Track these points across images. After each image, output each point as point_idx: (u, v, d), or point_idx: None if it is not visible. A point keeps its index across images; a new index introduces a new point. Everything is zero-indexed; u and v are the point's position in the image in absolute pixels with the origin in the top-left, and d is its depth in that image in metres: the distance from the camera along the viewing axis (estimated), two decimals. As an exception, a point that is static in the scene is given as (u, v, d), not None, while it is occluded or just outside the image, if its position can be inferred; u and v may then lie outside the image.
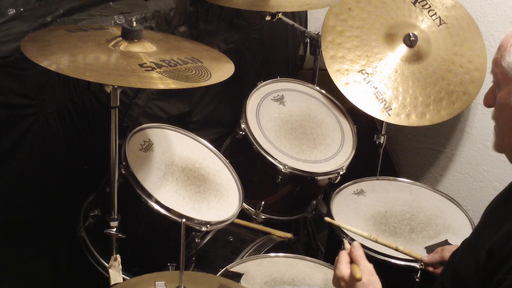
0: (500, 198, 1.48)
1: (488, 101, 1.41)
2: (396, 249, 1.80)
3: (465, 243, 1.55)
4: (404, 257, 1.83)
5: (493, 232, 1.35)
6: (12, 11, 1.68)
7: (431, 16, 2.33)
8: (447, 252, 1.74)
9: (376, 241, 1.79)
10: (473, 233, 1.56)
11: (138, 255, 1.81)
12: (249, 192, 1.97)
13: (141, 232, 1.78)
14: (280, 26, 2.52)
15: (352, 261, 1.46)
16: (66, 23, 1.74)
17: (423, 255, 1.82)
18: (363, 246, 1.84)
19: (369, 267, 1.44)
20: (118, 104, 1.57)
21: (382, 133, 2.34)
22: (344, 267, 1.44)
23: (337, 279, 1.45)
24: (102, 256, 1.80)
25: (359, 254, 1.46)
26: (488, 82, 2.37)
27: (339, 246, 1.89)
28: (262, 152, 2.02)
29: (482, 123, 2.50)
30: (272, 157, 2.02)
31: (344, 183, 2.14)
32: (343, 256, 1.47)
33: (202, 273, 1.65)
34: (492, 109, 1.40)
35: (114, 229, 1.68)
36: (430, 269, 1.79)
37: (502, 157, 1.38)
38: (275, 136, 2.10)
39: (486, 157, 2.53)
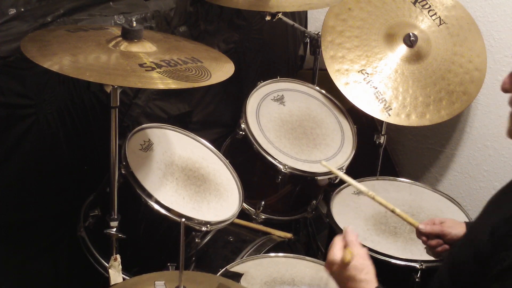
0: (504, 189, 1.47)
1: (506, 86, 1.38)
2: (393, 211, 1.78)
3: (463, 236, 1.55)
4: (404, 257, 1.83)
5: (495, 216, 1.34)
6: (13, 11, 1.68)
7: (431, 16, 2.33)
8: (447, 228, 1.72)
9: (373, 198, 1.77)
10: (471, 226, 1.55)
11: (138, 255, 1.81)
12: (249, 192, 1.97)
13: (141, 232, 1.78)
14: (280, 26, 2.52)
15: (346, 246, 1.44)
16: (66, 23, 1.74)
17: (420, 223, 1.79)
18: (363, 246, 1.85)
19: (362, 251, 1.42)
20: (118, 104, 1.57)
21: (382, 133, 2.34)
22: (337, 251, 1.40)
23: (329, 263, 1.41)
24: (102, 256, 1.80)
25: (352, 238, 1.43)
26: (488, 82, 2.38)
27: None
28: (262, 152, 2.02)
29: (482, 123, 2.50)
30: (272, 157, 2.02)
31: (344, 183, 2.14)
32: (337, 241, 1.43)
33: (202, 273, 1.65)
34: (509, 95, 1.38)
35: (114, 229, 1.68)
36: (424, 238, 1.77)
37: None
38: (275, 136, 2.10)
39: (486, 157, 2.53)
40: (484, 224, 1.39)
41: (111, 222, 1.68)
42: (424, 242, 1.77)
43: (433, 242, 1.75)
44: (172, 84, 1.46)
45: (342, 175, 1.77)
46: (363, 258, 1.41)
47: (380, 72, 2.24)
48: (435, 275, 1.59)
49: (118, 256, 1.68)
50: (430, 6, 2.34)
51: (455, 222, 1.74)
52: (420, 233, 1.77)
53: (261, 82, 2.21)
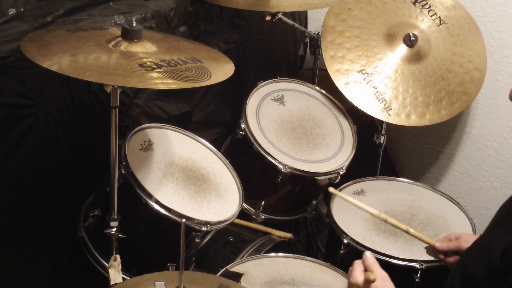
0: None
1: None
2: (407, 231, 1.78)
3: (477, 242, 1.54)
4: (404, 257, 1.83)
5: (508, 231, 1.33)
6: (12, 11, 1.68)
7: (431, 16, 2.33)
8: (464, 243, 1.71)
9: (386, 221, 1.78)
10: (485, 231, 1.54)
11: (138, 255, 1.81)
12: (249, 192, 1.97)
13: (141, 232, 1.78)
14: (280, 26, 2.52)
15: (366, 270, 1.48)
16: (66, 23, 1.74)
17: (435, 240, 1.79)
18: (361, 245, 1.86)
19: (383, 273, 1.46)
20: (118, 104, 1.57)
21: (382, 133, 2.34)
22: (358, 275, 1.46)
23: (350, 286, 1.46)
24: (102, 256, 1.80)
25: (372, 261, 1.48)
26: (488, 82, 2.38)
27: (339, 246, 1.91)
28: (262, 152, 2.02)
29: (482, 123, 2.50)
30: (272, 157, 2.02)
31: (344, 183, 2.14)
32: (357, 265, 1.49)
33: (202, 273, 1.66)
34: None
35: (114, 229, 1.68)
36: (441, 256, 1.77)
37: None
38: (275, 136, 2.10)
39: (486, 157, 2.53)
40: (497, 238, 1.37)
41: (111, 222, 1.68)
42: (442, 260, 1.77)
43: (451, 259, 1.75)
44: (172, 84, 1.46)
45: (353, 200, 1.77)
46: (383, 279, 1.43)
47: (380, 72, 2.24)
48: (447, 277, 1.57)
49: (118, 256, 1.68)
50: (430, 6, 2.34)
51: (471, 236, 1.73)
52: (437, 251, 1.77)
53: (261, 82, 2.21)
